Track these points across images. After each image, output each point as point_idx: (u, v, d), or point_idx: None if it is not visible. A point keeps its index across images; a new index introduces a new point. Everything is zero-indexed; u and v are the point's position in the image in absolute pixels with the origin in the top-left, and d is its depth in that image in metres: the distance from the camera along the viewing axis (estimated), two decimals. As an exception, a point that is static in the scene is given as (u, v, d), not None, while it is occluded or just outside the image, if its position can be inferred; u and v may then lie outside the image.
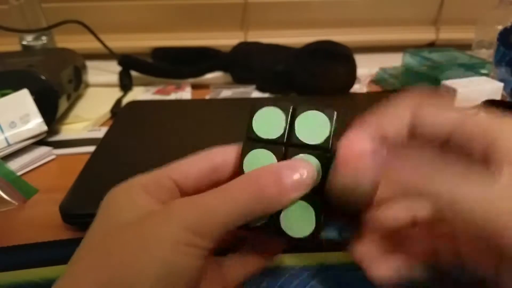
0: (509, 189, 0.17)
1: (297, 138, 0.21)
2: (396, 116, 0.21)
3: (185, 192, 0.22)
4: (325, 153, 0.21)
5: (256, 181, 0.19)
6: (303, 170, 0.20)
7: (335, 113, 0.21)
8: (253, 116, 0.22)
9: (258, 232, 0.21)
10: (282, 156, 0.21)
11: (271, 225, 0.21)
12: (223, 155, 0.22)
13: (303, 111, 0.21)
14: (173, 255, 0.18)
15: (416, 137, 0.21)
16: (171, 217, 0.18)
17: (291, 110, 0.22)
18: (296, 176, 0.20)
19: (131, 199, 0.20)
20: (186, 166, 0.22)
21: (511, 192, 0.17)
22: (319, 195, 0.21)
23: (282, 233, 0.21)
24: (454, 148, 0.20)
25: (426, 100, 0.21)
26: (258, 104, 0.22)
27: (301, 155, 0.21)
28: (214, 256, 0.22)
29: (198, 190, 0.22)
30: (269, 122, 0.22)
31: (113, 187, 0.21)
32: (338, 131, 0.21)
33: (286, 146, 0.21)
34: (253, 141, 0.22)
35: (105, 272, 0.18)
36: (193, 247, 0.18)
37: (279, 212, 0.21)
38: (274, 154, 0.21)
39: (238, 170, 0.22)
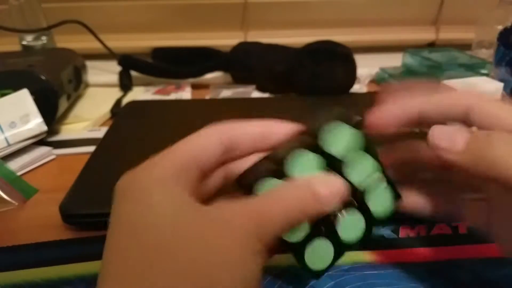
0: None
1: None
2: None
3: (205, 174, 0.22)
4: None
5: (311, 190, 0.19)
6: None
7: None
8: (322, 131, 0.22)
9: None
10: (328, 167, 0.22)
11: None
12: (233, 134, 0.23)
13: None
14: (243, 267, 0.17)
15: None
16: (236, 228, 0.18)
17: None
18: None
19: (169, 194, 0.19)
20: (204, 150, 0.22)
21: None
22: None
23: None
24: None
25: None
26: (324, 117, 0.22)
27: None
28: None
29: (215, 168, 0.23)
30: (339, 138, 0.22)
31: (129, 175, 0.20)
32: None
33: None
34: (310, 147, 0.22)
35: None
36: (258, 254, 0.18)
37: None
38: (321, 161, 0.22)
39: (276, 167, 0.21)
